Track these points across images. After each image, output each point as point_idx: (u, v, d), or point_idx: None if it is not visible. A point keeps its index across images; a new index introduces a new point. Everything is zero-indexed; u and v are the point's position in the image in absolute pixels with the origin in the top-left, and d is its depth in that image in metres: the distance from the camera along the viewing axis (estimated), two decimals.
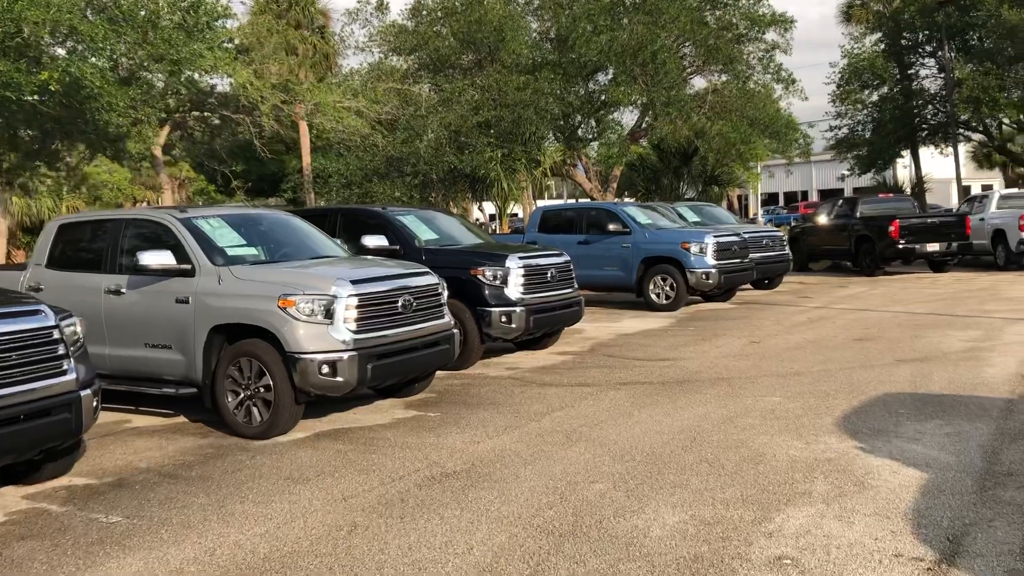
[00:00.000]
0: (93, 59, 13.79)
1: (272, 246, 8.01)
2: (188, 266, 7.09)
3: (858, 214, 20.61)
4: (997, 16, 25.40)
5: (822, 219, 22.19)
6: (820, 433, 6.21)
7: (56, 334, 5.32)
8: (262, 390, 6.65)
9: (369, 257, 8.89)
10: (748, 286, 16.88)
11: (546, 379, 8.78)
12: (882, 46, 30.56)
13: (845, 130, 32.26)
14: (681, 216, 17.50)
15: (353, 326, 6.70)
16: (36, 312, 5.31)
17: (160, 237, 7.41)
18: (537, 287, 9.94)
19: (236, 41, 20.38)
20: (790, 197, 64.64)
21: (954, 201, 33.19)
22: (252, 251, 7.74)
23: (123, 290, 7.37)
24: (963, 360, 8.76)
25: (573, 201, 41.46)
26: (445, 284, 7.97)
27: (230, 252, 7.40)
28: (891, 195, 25.88)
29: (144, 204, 29.62)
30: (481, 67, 23.64)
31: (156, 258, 7.01)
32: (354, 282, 6.85)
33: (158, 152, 23.66)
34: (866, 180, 39.02)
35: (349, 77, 25.11)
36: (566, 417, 7.02)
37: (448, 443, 6.34)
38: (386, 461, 5.92)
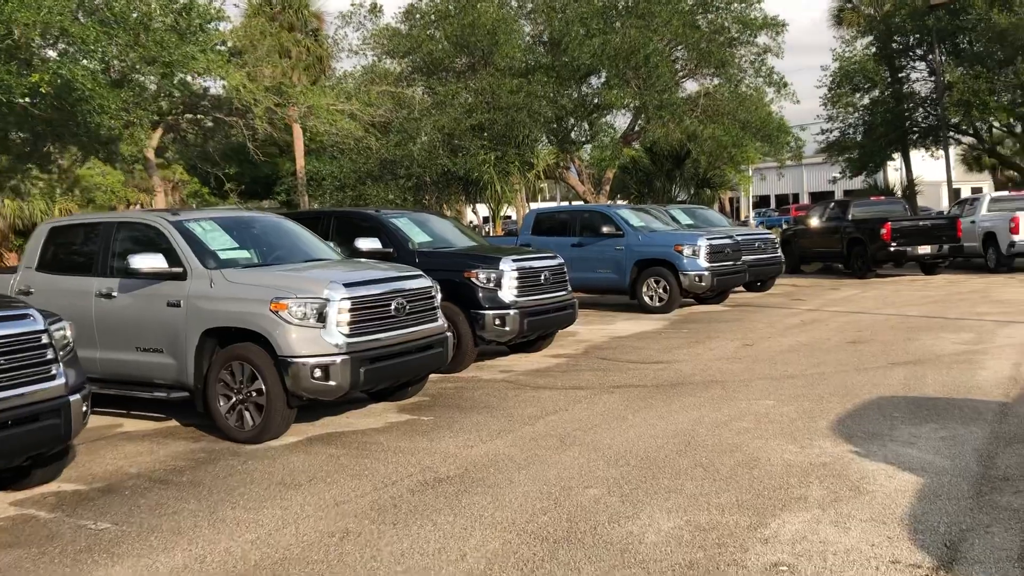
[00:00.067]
0: (85, 61, 13.72)
1: (265, 249, 7.97)
2: (180, 269, 7.04)
3: (850, 216, 20.67)
4: (987, 20, 25.53)
5: (814, 221, 22.24)
6: (815, 437, 6.18)
7: (45, 338, 5.26)
8: (254, 394, 6.60)
9: (362, 260, 8.85)
10: (741, 288, 16.88)
11: (540, 382, 8.75)
12: (873, 49, 30.70)
13: (836, 133, 32.41)
14: (674, 219, 17.49)
15: (346, 329, 6.66)
16: (24, 316, 5.25)
17: (152, 240, 7.35)
18: (531, 290, 9.91)
19: (229, 43, 20.33)
20: (781, 200, 64.73)
21: (944, 204, 33.30)
22: (244, 254, 7.70)
23: (114, 293, 7.32)
24: (956, 363, 8.76)
25: (566, 204, 41.46)
26: (438, 287, 7.93)
27: (222, 255, 7.35)
28: (883, 198, 25.99)
29: (137, 207, 29.48)
30: (474, 70, 23.66)
31: (148, 261, 6.95)
32: (347, 285, 6.81)
33: (151, 155, 23.56)
34: (857, 183, 39.20)
35: (343, 80, 25.14)
36: (560, 421, 6.99)
37: (441, 447, 6.30)
38: (379, 466, 5.88)
